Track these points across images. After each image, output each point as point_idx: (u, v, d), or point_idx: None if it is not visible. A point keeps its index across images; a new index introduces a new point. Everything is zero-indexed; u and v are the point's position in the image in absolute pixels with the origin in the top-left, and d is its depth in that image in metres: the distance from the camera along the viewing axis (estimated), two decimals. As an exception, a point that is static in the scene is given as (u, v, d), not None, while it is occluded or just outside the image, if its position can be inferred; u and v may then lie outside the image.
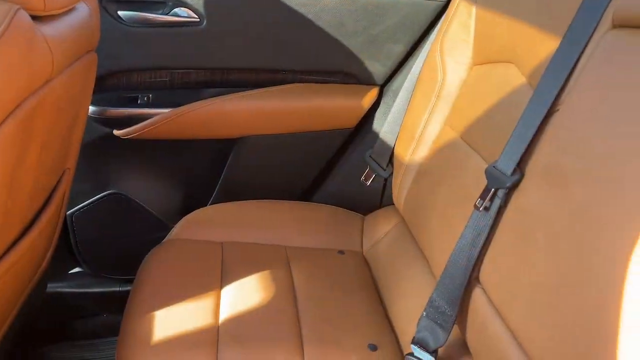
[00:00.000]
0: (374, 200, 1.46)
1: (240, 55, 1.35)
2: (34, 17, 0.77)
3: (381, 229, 1.36)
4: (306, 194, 1.52)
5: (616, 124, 0.67)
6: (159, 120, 1.35)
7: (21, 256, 0.87)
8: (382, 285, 1.22)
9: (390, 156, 1.37)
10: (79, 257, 1.56)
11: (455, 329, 0.90)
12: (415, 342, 0.91)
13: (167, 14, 1.31)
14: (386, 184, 1.42)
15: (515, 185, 0.80)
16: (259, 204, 1.42)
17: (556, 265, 0.70)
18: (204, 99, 1.37)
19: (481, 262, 0.85)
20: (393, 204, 1.35)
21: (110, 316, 1.60)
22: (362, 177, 1.42)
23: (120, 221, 1.53)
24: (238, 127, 1.41)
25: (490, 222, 0.83)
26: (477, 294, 0.86)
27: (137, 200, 1.48)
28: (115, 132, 1.39)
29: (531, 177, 0.79)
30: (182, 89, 1.40)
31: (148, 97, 1.38)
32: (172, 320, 1.01)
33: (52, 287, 1.55)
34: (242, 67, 1.37)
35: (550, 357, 0.67)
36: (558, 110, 0.78)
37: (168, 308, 1.03)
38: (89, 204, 1.50)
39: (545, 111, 0.78)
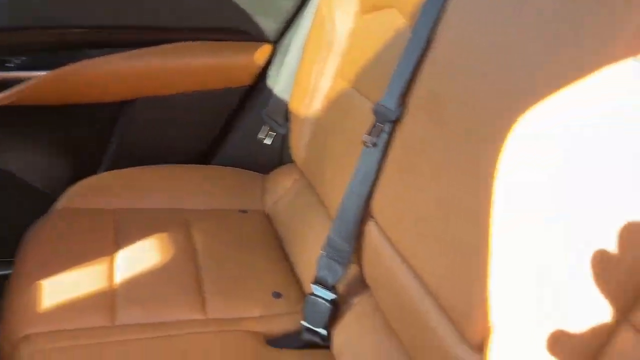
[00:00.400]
0: (274, 158, 1.46)
1: (124, 12, 1.28)
2: None
3: (282, 185, 1.36)
4: (205, 157, 1.49)
5: (484, 52, 0.71)
6: (37, 83, 1.26)
7: None
8: (285, 240, 1.22)
9: (286, 112, 1.37)
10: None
11: (354, 265, 0.93)
12: (315, 281, 0.92)
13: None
14: (284, 141, 1.42)
15: (399, 119, 0.83)
16: (153, 169, 1.37)
17: (438, 195, 0.73)
18: (83, 60, 1.29)
19: (372, 197, 0.88)
20: (293, 161, 1.35)
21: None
22: (260, 136, 1.42)
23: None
24: (126, 89, 1.34)
25: (378, 156, 0.85)
26: (370, 227, 0.88)
27: (15, 173, 1.37)
28: (-13, 99, 1.28)
29: (413, 110, 0.82)
30: (61, 51, 1.30)
31: (21, 61, 1.28)
32: (62, 290, 0.95)
33: None
34: (126, 24, 1.30)
35: (443, 285, 0.70)
36: (433, 44, 0.81)
37: (56, 278, 0.97)
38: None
39: (422, 46, 0.81)
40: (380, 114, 0.85)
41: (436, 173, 0.75)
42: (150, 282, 1.01)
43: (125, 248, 1.08)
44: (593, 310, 0.50)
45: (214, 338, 0.91)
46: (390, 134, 0.84)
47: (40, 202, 1.36)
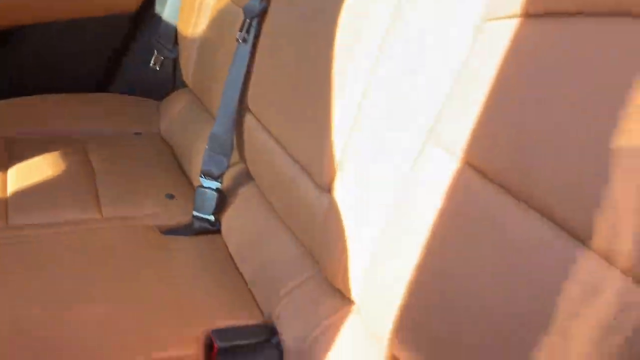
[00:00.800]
0: (167, 84, 1.50)
1: None
2: None
3: (175, 108, 1.41)
4: (100, 86, 1.51)
5: None
6: None
7: None
8: (178, 154, 1.29)
9: (175, 37, 1.41)
10: None
11: (236, 157, 1.02)
12: (202, 174, 1.01)
13: None
14: (176, 65, 1.47)
15: (264, 12, 0.91)
16: (48, 97, 1.39)
17: (302, 76, 0.83)
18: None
19: (247, 89, 0.96)
20: (186, 85, 1.41)
21: None
22: (152, 63, 1.45)
23: None
24: (6, 16, 1.33)
25: (249, 50, 0.94)
26: (248, 119, 0.97)
27: None
28: None
29: (274, 2, 0.90)
30: None
31: None
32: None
33: None
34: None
35: (303, 150, 0.80)
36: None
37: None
38: None
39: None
40: (248, 11, 0.93)
41: (298, 58, 0.84)
42: (46, 190, 1.05)
43: (19, 169, 1.10)
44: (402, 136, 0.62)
45: (111, 231, 0.98)
46: (258, 28, 0.93)
47: None
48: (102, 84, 1.51)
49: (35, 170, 1.11)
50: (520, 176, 0.50)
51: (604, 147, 0.42)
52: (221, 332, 0.78)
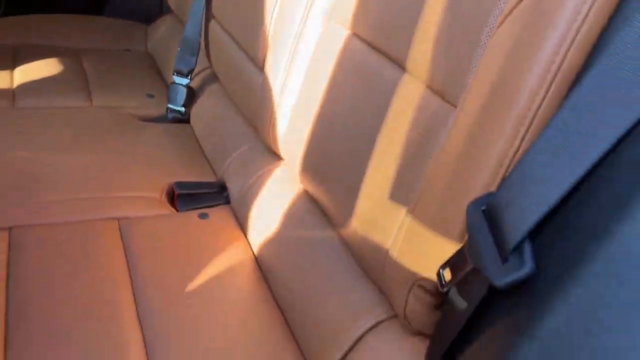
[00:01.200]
0: (155, 10, 1.69)
1: None
2: None
3: (160, 30, 1.61)
4: (95, 10, 1.70)
5: None
6: None
7: None
8: (160, 65, 1.48)
9: (161, -34, 1.60)
10: None
11: (204, 63, 1.23)
12: (174, 72, 1.21)
13: None
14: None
15: None
16: (47, 16, 1.58)
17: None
18: None
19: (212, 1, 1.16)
20: (171, 11, 1.59)
21: None
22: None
23: None
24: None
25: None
26: (212, 24, 1.17)
27: None
28: None
29: None
30: None
31: None
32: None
33: None
34: None
35: (248, 37, 1.00)
36: None
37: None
38: None
39: None
40: None
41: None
42: (45, 84, 1.26)
43: (24, 68, 1.30)
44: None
45: (98, 114, 1.19)
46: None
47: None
48: (97, 8, 1.70)
49: (37, 69, 1.32)
50: (376, 33, 0.70)
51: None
52: (182, 184, 1.00)
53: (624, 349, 0.33)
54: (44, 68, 1.33)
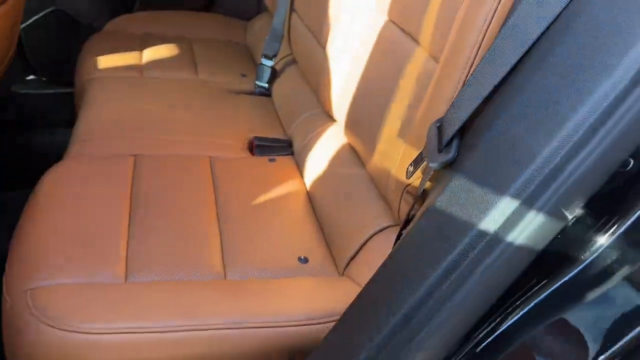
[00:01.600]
0: (253, 9, 2.03)
1: None
2: None
3: (257, 26, 1.93)
4: (205, 7, 2.07)
5: None
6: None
7: None
8: (253, 53, 1.80)
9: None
10: (34, 65, 2.04)
11: (285, 44, 1.53)
12: (262, 55, 1.52)
13: None
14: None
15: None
16: (167, 12, 1.96)
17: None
18: None
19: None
20: (266, 9, 1.92)
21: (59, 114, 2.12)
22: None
23: (63, 33, 2.02)
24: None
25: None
26: (294, 17, 1.47)
27: (70, 12, 1.97)
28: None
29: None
30: None
31: None
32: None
33: (15, 89, 2.03)
34: None
35: (319, 29, 1.28)
36: None
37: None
38: (37, 19, 1.97)
39: None
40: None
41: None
42: (164, 60, 1.61)
43: (149, 50, 1.67)
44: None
45: (201, 85, 1.52)
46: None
47: (83, 34, 1.94)
48: (207, 6, 2.07)
49: (158, 51, 1.68)
50: (403, 16, 0.95)
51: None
52: (259, 138, 1.30)
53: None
54: (164, 50, 1.69)
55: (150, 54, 1.66)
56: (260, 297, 0.83)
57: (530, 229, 0.54)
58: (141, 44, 1.72)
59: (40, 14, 1.97)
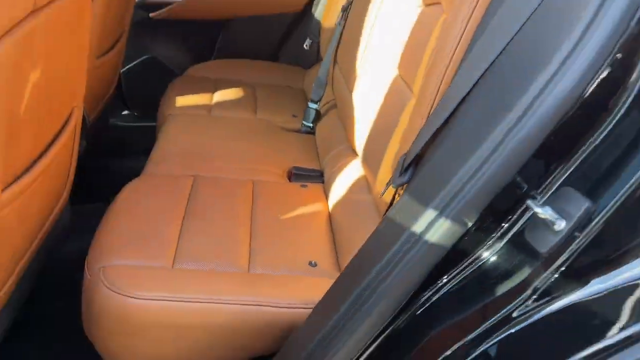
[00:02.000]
0: (312, 58, 2.32)
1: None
2: None
3: (313, 72, 2.22)
4: (271, 57, 2.40)
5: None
6: (175, 6, 2.22)
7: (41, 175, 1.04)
8: (307, 98, 2.09)
9: (320, 28, 2.23)
10: (128, 102, 2.45)
11: (329, 90, 1.79)
12: (310, 100, 1.79)
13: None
14: (318, 48, 2.28)
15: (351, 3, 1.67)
16: (238, 61, 2.31)
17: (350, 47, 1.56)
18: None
19: (337, 54, 1.72)
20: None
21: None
22: (305, 45, 2.29)
23: (153, 76, 2.41)
24: (228, 10, 2.27)
25: (341, 30, 1.70)
26: (336, 69, 1.73)
27: (162, 60, 2.35)
28: (151, 14, 2.26)
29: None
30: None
31: (172, -8, 2.25)
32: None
33: (113, 121, 2.43)
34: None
35: (349, 72, 1.54)
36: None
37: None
38: (134, 64, 2.38)
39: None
40: (343, 7, 1.69)
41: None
42: (228, 102, 1.92)
43: (218, 95, 1.99)
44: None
45: (257, 124, 1.80)
46: (345, 16, 1.67)
47: (169, 77, 2.31)
48: (273, 55, 2.40)
49: (226, 93, 2.00)
50: (406, 71, 1.18)
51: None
52: (298, 167, 1.55)
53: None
54: (231, 93, 2.01)
55: (219, 96, 1.98)
56: (270, 286, 1.07)
57: (440, 231, 0.74)
58: (214, 87, 2.05)
59: (137, 61, 2.38)
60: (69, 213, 1.44)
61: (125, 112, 2.50)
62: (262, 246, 1.20)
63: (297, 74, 2.29)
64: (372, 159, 1.25)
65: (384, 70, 1.30)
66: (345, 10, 1.71)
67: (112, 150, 2.38)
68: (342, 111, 1.60)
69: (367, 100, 1.36)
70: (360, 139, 1.37)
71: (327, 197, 1.43)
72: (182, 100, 1.91)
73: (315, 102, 1.79)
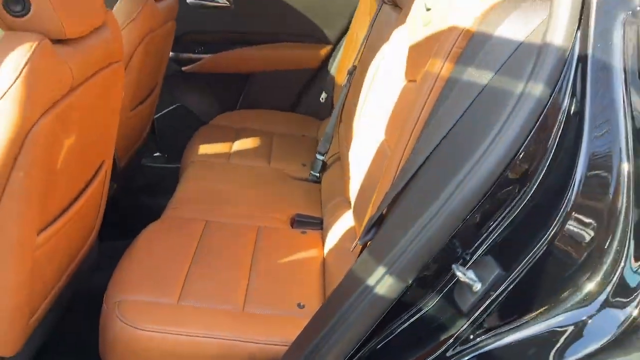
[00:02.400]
0: (327, 111, 2.51)
1: (252, 24, 2.44)
2: (59, 41, 1.06)
3: (326, 123, 2.40)
4: (290, 108, 2.60)
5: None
6: (205, 61, 2.46)
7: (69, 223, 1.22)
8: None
9: (334, 83, 2.42)
10: (159, 145, 2.68)
11: (336, 148, 1.96)
12: (317, 152, 1.96)
13: (213, 1, 2.40)
14: (332, 101, 2.47)
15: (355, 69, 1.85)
16: (259, 111, 2.51)
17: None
18: (231, 50, 2.47)
19: (343, 111, 1.90)
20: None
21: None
22: (321, 98, 2.48)
23: (183, 123, 2.64)
24: (251, 65, 2.49)
25: (345, 92, 1.88)
26: (341, 126, 1.90)
27: (191, 108, 2.58)
28: (184, 68, 2.50)
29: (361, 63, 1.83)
30: (219, 44, 2.50)
31: (200, 49, 2.49)
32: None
33: (145, 162, 2.66)
34: (252, 31, 2.46)
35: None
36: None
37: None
38: (166, 111, 2.62)
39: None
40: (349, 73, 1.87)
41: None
42: (246, 150, 2.12)
43: (238, 143, 2.19)
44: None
45: (270, 173, 1.98)
46: (351, 79, 1.85)
47: (197, 124, 2.53)
48: (292, 107, 2.60)
49: (245, 143, 2.19)
50: (390, 136, 1.34)
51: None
52: (300, 214, 1.71)
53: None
54: (249, 142, 2.20)
55: (239, 145, 2.18)
56: (258, 325, 1.23)
57: (386, 285, 0.88)
58: (235, 136, 2.25)
59: (169, 108, 2.62)
60: (97, 250, 1.64)
61: (157, 154, 2.73)
62: (257, 287, 1.35)
63: (312, 124, 2.48)
64: (359, 212, 1.40)
65: (373, 135, 1.47)
66: (351, 73, 1.89)
67: (143, 189, 2.60)
68: (342, 165, 1.77)
69: (359, 159, 1.52)
70: (353, 193, 1.52)
71: (323, 244, 1.58)
72: (204, 148, 2.11)
73: (322, 154, 1.96)
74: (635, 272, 0.70)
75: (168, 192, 2.06)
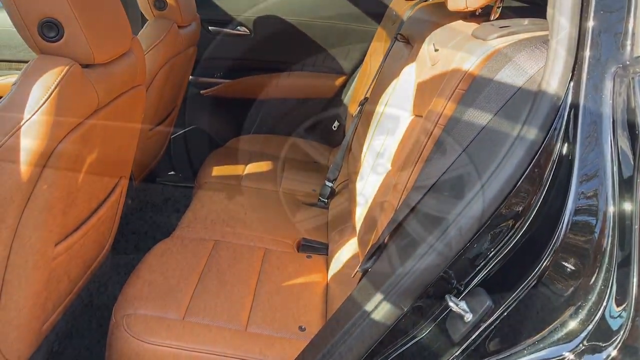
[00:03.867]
0: (339, 138, 2.57)
1: (270, 53, 2.53)
2: (88, 65, 1.14)
3: (337, 151, 2.46)
4: (305, 134, 2.67)
5: None
6: (223, 86, 2.54)
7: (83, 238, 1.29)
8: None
9: (346, 112, 2.48)
10: (174, 164, 2.75)
11: (345, 175, 2.02)
12: (326, 179, 2.02)
13: (234, 29, 2.50)
14: (344, 129, 2.53)
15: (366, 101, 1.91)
16: (270, 136, 2.58)
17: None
18: (249, 76, 2.55)
19: (352, 142, 1.96)
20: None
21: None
22: (334, 127, 2.55)
23: (198, 145, 2.72)
24: (267, 92, 2.57)
25: (355, 123, 1.94)
26: (350, 155, 1.96)
27: (207, 130, 2.66)
28: (202, 91, 2.59)
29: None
30: (238, 70, 2.58)
31: (219, 74, 2.58)
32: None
33: (159, 180, 2.73)
34: (270, 60, 2.55)
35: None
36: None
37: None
38: (182, 132, 2.70)
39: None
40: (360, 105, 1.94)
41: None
42: (257, 174, 2.18)
43: (249, 166, 2.26)
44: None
45: (280, 196, 2.04)
46: (361, 110, 1.92)
47: (212, 146, 2.60)
48: (305, 133, 2.67)
49: (256, 167, 2.26)
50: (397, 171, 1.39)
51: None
52: (306, 239, 1.76)
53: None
54: (261, 166, 2.26)
55: (251, 168, 2.24)
56: (258, 344, 1.27)
57: (382, 312, 0.92)
58: (248, 159, 2.32)
59: (185, 129, 2.70)
60: (109, 263, 1.69)
61: (171, 173, 2.81)
62: (261, 308, 1.40)
63: (324, 151, 2.55)
64: (363, 240, 1.45)
65: (379, 165, 1.52)
66: (362, 104, 1.96)
67: (156, 207, 2.67)
68: (350, 193, 1.82)
69: (365, 187, 1.58)
70: (358, 220, 1.57)
71: (327, 269, 1.62)
72: (217, 170, 2.18)
73: (331, 181, 2.01)
74: (618, 316, 0.74)
75: (180, 211, 2.11)
